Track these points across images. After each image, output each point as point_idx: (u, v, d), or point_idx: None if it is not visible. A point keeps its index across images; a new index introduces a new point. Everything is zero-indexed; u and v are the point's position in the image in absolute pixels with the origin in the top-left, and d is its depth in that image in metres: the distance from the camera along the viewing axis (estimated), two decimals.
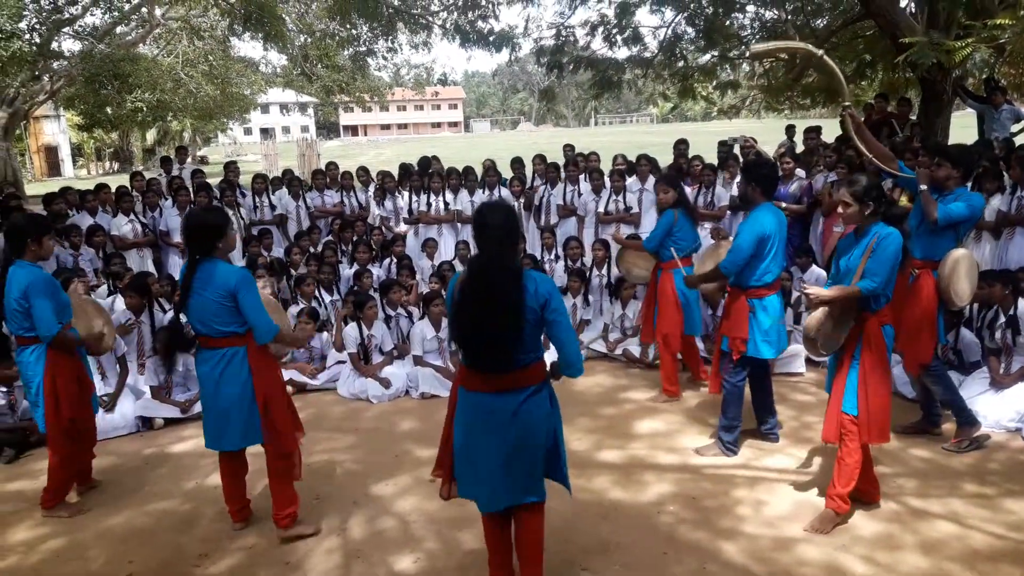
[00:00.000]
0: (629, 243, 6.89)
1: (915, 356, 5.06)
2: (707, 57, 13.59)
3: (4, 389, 5.69)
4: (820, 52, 5.13)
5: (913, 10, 10.08)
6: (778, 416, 5.33)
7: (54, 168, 41.97)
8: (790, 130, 11.18)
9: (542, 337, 3.26)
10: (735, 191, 8.59)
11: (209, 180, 10.24)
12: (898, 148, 8.02)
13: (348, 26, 17.99)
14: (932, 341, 5.03)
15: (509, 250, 3.16)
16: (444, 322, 6.86)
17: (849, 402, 4.02)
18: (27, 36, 16.72)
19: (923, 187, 4.95)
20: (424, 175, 9.71)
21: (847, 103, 5.24)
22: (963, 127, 13.59)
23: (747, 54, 6.14)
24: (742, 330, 4.85)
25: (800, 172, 8.48)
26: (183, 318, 4.08)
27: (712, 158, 9.48)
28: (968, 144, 6.23)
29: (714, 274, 5.10)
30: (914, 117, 10.64)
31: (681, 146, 9.60)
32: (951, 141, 9.78)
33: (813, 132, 9.75)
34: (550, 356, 3.34)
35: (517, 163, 10.17)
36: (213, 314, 3.90)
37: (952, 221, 4.90)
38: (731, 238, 5.98)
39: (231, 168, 10.09)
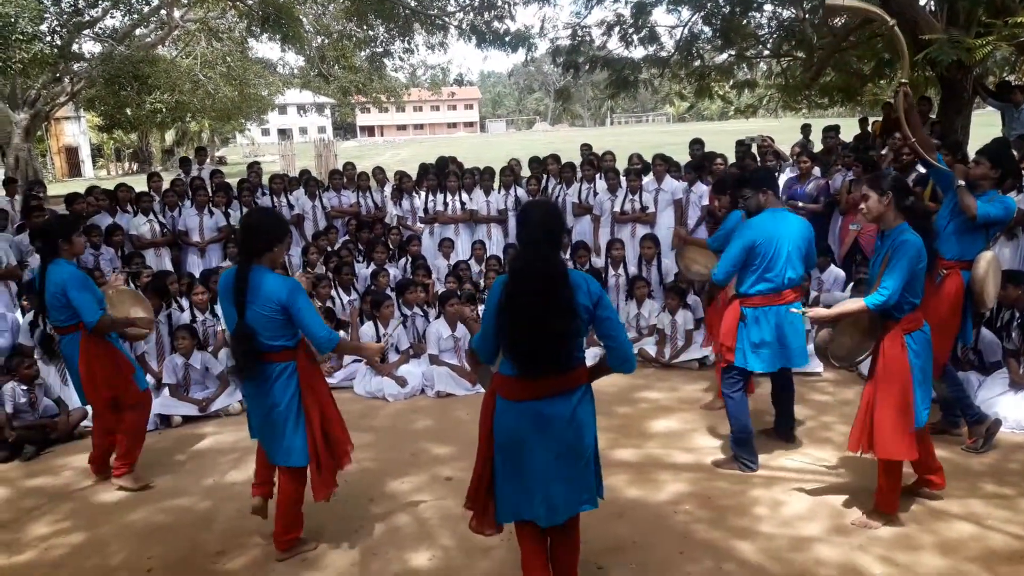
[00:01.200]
0: (693, 240, 6.74)
1: (937, 356, 4.99)
2: (724, 56, 13.52)
3: (24, 387, 5.76)
4: (892, 22, 4.97)
5: (933, 8, 9.97)
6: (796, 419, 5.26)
7: (74, 169, 42.42)
8: (806, 129, 11.10)
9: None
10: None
11: (229, 180, 10.31)
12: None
13: (365, 27, 18.05)
14: (951, 341, 4.99)
15: (555, 248, 3.09)
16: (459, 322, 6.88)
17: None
18: (48, 38, 16.91)
19: (960, 183, 4.86)
20: (441, 175, 9.74)
21: (904, 80, 5.03)
22: (983, 125, 13.45)
23: (824, 4, 6.00)
24: (729, 337, 4.72)
25: (816, 171, 8.44)
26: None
27: (730, 158, 9.45)
28: (1003, 140, 6.09)
29: (707, 280, 5.02)
30: (934, 116, 10.53)
31: (696, 146, 9.57)
32: (971, 140, 9.70)
33: (831, 131, 9.68)
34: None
35: (536, 163, 10.17)
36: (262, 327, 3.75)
37: (988, 221, 4.83)
38: None
39: (254, 169, 10.17)
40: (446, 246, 8.74)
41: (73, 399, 6.09)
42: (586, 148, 10.70)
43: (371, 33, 18.55)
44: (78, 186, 10.37)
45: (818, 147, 10.33)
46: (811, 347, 4.88)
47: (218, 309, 6.11)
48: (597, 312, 3.09)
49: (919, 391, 3.92)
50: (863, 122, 11.58)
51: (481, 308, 7.50)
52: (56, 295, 4.62)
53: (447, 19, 14.98)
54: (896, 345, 3.90)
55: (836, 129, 9.77)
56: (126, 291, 5.40)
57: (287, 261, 4.81)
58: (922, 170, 7.63)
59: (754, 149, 9.79)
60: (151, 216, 8.77)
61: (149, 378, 6.14)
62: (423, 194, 9.51)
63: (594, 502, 3.23)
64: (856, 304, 3.90)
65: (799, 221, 4.80)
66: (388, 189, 9.98)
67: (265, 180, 10.32)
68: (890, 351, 3.91)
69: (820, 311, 4.02)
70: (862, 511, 4.18)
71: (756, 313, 4.67)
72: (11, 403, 5.68)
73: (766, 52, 13.35)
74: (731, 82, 14.34)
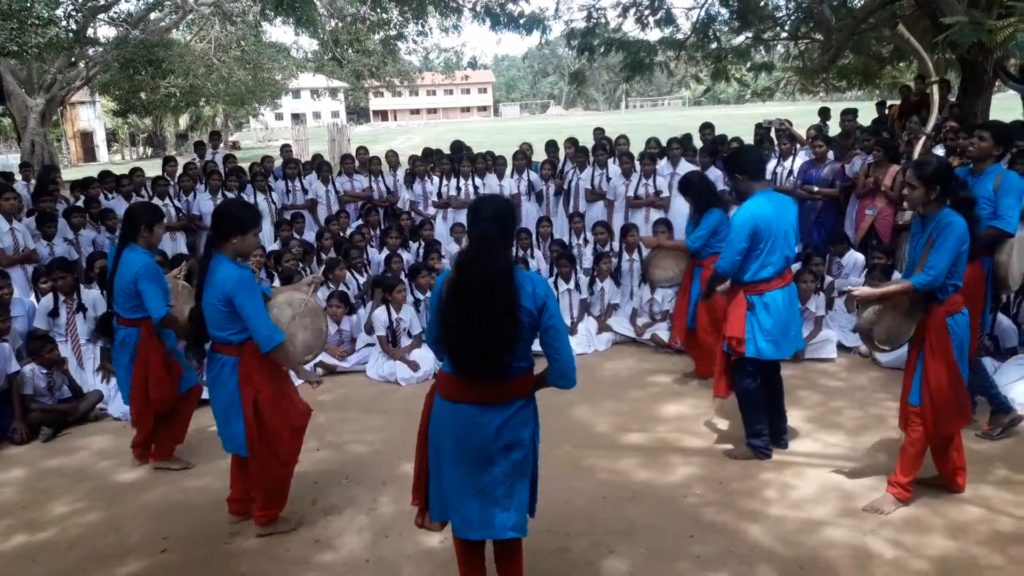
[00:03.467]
0: (667, 244, 6.54)
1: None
2: (741, 38, 13.42)
3: (45, 371, 5.83)
4: (936, 78, 5.11)
5: None
6: (789, 421, 5.07)
7: (89, 153, 42.73)
8: (824, 112, 11.00)
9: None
10: (768, 175, 8.51)
11: (242, 164, 10.36)
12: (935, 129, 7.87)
13: (379, 10, 18.04)
14: (979, 330, 4.93)
15: (502, 246, 2.90)
16: None
17: (914, 394, 4.00)
18: (63, 23, 16.93)
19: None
20: (456, 159, 9.73)
21: (935, 79, 5.03)
22: (1004, 109, 13.27)
23: (894, 30, 6.10)
24: (739, 329, 4.59)
25: (831, 155, 8.37)
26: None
27: (748, 141, 9.39)
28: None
29: (714, 278, 4.79)
30: (953, 99, 10.41)
31: (706, 130, 9.50)
32: None
33: (849, 114, 9.60)
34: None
35: (551, 147, 10.13)
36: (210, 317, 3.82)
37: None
38: None
39: (286, 149, 10.25)
40: (458, 231, 8.74)
41: (88, 383, 6.17)
42: (599, 132, 10.66)
43: (384, 16, 18.54)
44: (93, 171, 10.45)
45: (835, 131, 10.25)
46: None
47: None
48: (541, 318, 2.88)
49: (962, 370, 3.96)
50: (880, 105, 11.47)
51: None
52: (128, 283, 4.55)
53: (461, 1, 14.92)
54: (941, 325, 3.91)
55: (854, 112, 9.68)
56: (185, 287, 5.24)
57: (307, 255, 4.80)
58: (940, 154, 7.57)
59: (772, 133, 9.71)
60: (167, 200, 8.83)
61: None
62: (435, 179, 9.51)
63: (521, 530, 3.00)
64: (903, 284, 3.90)
65: (787, 200, 4.76)
66: (401, 174, 9.99)
67: (279, 163, 10.36)
68: (935, 332, 3.92)
69: (867, 290, 4.00)
70: (872, 495, 4.19)
71: (764, 299, 4.57)
72: (30, 386, 5.75)
73: (783, 34, 13.24)
74: (748, 65, 14.24)
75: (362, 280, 7.72)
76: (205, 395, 6.15)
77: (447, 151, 10.97)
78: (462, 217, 9.14)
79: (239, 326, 3.76)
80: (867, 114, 11.25)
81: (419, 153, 10.75)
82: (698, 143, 9.85)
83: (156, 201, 8.78)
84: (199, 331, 3.88)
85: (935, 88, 5.45)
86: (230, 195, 9.02)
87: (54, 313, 6.32)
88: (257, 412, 3.86)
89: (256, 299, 3.72)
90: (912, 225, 4.11)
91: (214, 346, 3.90)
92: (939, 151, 7.64)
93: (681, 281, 6.29)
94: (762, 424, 4.73)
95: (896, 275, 7.01)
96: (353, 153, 10.39)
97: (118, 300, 4.68)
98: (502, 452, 2.92)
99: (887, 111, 11.11)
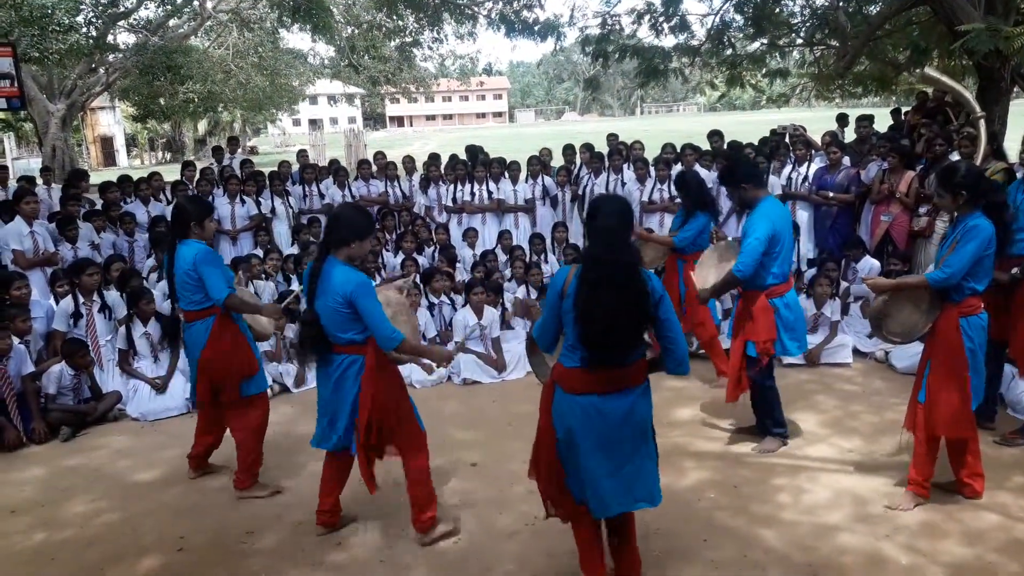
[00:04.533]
0: (651, 238, 6.76)
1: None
2: (756, 45, 13.37)
3: (72, 373, 5.91)
4: (981, 114, 5.16)
5: None
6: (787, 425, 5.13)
7: (109, 158, 43.16)
8: (842, 119, 10.96)
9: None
10: (783, 180, 8.50)
11: (260, 169, 10.44)
12: (946, 134, 7.85)
13: (394, 17, 18.14)
14: None
15: (627, 243, 3.16)
16: (486, 310, 6.93)
17: (922, 392, 4.06)
18: (84, 30, 17.19)
19: None
20: (473, 164, 9.78)
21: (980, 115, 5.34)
22: (1022, 115, 13.19)
23: (923, 71, 6.19)
24: (770, 332, 4.69)
25: (846, 161, 8.35)
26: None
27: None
28: None
29: (730, 282, 4.80)
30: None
31: (714, 138, 9.51)
32: (1009, 129, 9.52)
33: (865, 120, 9.56)
34: None
35: (569, 151, 10.15)
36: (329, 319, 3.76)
37: None
38: (729, 238, 5.92)
39: (302, 154, 10.35)
40: (471, 236, 8.78)
41: (107, 384, 6.24)
42: (613, 138, 10.66)
43: (400, 23, 18.64)
44: (113, 175, 10.57)
45: (850, 136, 10.21)
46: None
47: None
48: (657, 312, 3.11)
49: (972, 375, 3.97)
50: (896, 112, 11.41)
51: (508, 297, 7.55)
52: (188, 272, 4.36)
53: (476, 8, 14.99)
54: (951, 327, 3.94)
55: (870, 119, 9.65)
56: (243, 291, 5.19)
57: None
58: (954, 159, 7.54)
59: (787, 139, 9.69)
60: None
61: (159, 373, 6.28)
62: (450, 183, 9.56)
63: (652, 500, 3.24)
64: (916, 278, 3.97)
65: (784, 205, 4.96)
66: (416, 178, 10.04)
67: (295, 169, 10.44)
68: (945, 332, 3.96)
69: (880, 280, 4.06)
70: (887, 501, 4.18)
71: (785, 300, 4.73)
72: (55, 385, 5.84)
73: (799, 40, 13.18)
74: (763, 71, 14.18)
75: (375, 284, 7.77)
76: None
77: (462, 156, 11.02)
78: (476, 222, 9.19)
79: (361, 326, 3.75)
80: (883, 120, 11.20)
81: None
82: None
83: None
84: (317, 333, 3.79)
85: (981, 124, 5.49)
86: (248, 200, 9.10)
87: (76, 315, 6.38)
88: (378, 408, 3.83)
89: (376, 301, 3.73)
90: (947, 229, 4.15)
91: (335, 348, 3.81)
92: (955, 158, 7.60)
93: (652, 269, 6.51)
94: (781, 414, 4.96)
95: None
96: (370, 158, 10.46)
97: (183, 296, 4.46)
98: (630, 435, 3.15)
99: (903, 117, 11.06)
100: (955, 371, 3.95)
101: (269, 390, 5.30)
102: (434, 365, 6.67)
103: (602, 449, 3.11)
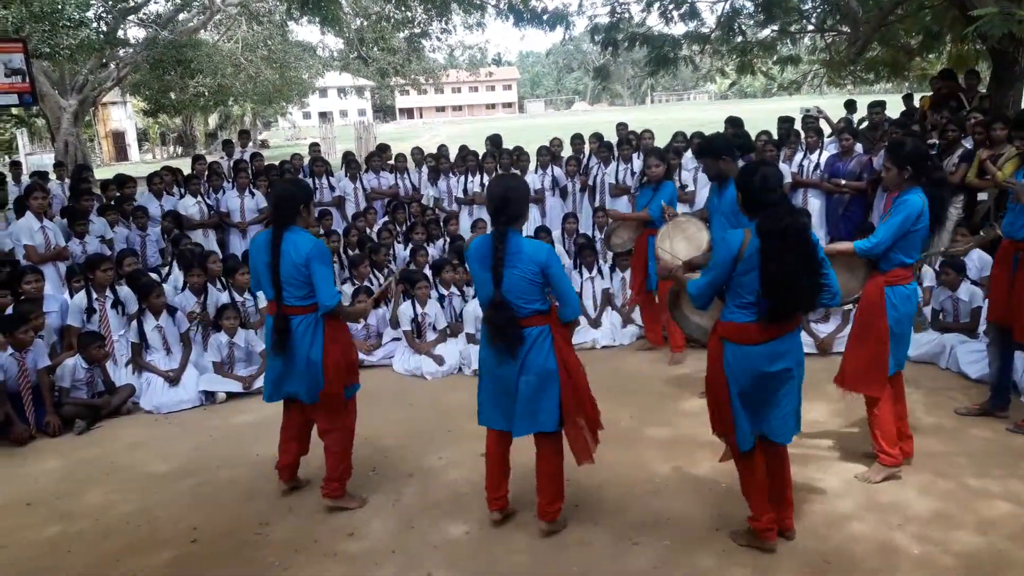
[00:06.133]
0: (626, 216, 7.10)
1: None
2: (766, 32, 13.29)
3: (87, 366, 5.96)
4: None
5: None
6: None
7: (121, 153, 43.39)
8: (850, 105, 10.87)
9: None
10: (795, 167, 8.45)
11: (272, 162, 10.49)
12: (963, 122, 7.78)
13: (403, 8, 18.11)
14: None
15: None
16: None
17: None
18: (94, 25, 17.24)
19: (1013, 181, 4.81)
20: (496, 153, 9.78)
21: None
22: None
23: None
24: None
25: (858, 148, 8.29)
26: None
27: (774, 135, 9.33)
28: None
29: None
30: (983, 90, 10.24)
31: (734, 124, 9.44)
32: None
33: (877, 107, 9.49)
34: None
35: (578, 140, 10.13)
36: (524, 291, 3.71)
37: None
38: (681, 214, 5.96)
39: (314, 148, 10.44)
40: (480, 227, 8.77)
41: (120, 377, 6.29)
42: (622, 127, 10.62)
43: (409, 14, 18.61)
44: (124, 170, 10.64)
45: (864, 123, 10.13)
46: None
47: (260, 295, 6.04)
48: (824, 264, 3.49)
49: (892, 341, 4.15)
50: (907, 98, 11.31)
51: None
52: (299, 266, 4.00)
53: None
54: (875, 292, 4.15)
55: (882, 105, 9.57)
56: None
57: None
58: (968, 146, 7.48)
59: (797, 124, 9.61)
60: (199, 198, 8.96)
61: (172, 366, 6.34)
62: (460, 175, 9.55)
63: (797, 429, 3.69)
64: (846, 245, 4.20)
65: None
66: (425, 170, 10.04)
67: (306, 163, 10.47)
68: (867, 296, 4.20)
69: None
70: (896, 488, 4.17)
71: None
72: (69, 379, 5.89)
73: (810, 27, 13.08)
74: (774, 58, 14.10)
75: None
76: (234, 388, 6.30)
77: (471, 148, 11.01)
78: (484, 214, 9.18)
79: (545, 295, 3.76)
80: (895, 106, 11.10)
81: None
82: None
83: (188, 199, 8.91)
84: (508, 314, 3.68)
85: None
86: (258, 193, 9.13)
87: (91, 310, 6.43)
88: (571, 376, 3.79)
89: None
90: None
91: (520, 322, 3.72)
92: (967, 144, 7.54)
93: (632, 247, 6.86)
94: None
95: (924, 268, 6.94)
96: (376, 150, 10.48)
97: (288, 290, 4.07)
98: (789, 372, 3.52)
99: (916, 103, 10.95)
100: (870, 332, 4.16)
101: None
102: (444, 357, 6.70)
103: (782, 384, 3.52)
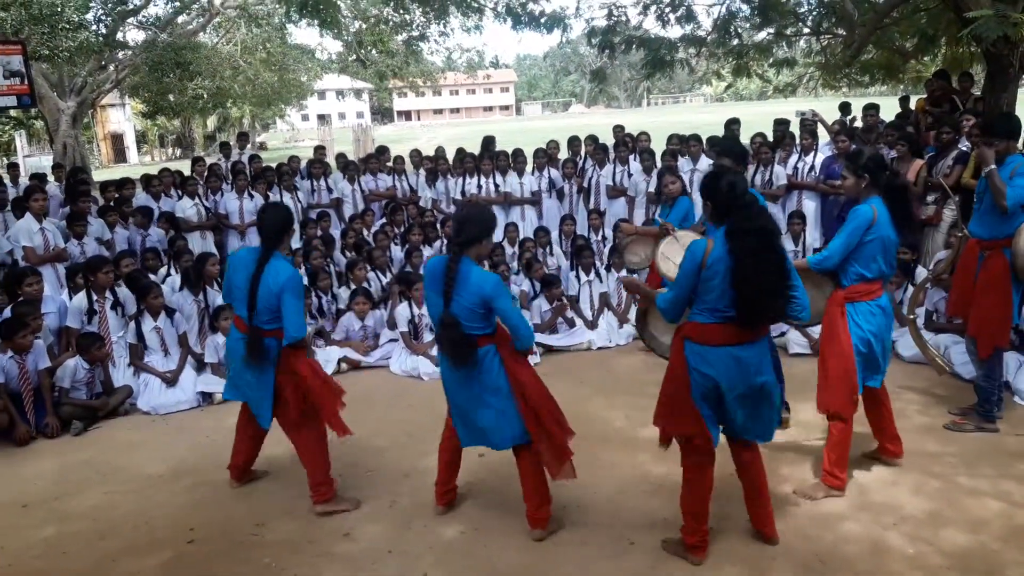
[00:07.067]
0: (639, 230, 6.72)
1: (991, 339, 4.86)
2: (762, 34, 13.31)
3: (87, 367, 5.98)
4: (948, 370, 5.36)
5: None
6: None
7: (120, 155, 43.35)
8: (845, 107, 10.92)
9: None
10: (789, 170, 8.48)
11: (271, 164, 10.50)
12: (957, 124, 7.80)
13: (401, 11, 18.11)
14: (1008, 323, 4.89)
15: (767, 212, 3.47)
16: None
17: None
18: (93, 27, 17.27)
19: (992, 167, 4.76)
20: (490, 155, 9.79)
21: None
22: None
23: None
24: None
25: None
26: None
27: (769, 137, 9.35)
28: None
29: None
30: (977, 92, 10.28)
31: (733, 126, 9.48)
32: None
33: (872, 109, 9.52)
34: None
35: (574, 143, 10.15)
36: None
37: (1021, 201, 4.69)
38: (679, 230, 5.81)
39: (319, 152, 10.55)
40: None
41: (118, 379, 6.30)
42: (619, 129, 10.64)
43: (407, 17, 18.62)
44: (123, 172, 10.66)
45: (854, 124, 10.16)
46: None
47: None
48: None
49: (859, 359, 4.04)
50: (904, 100, 11.35)
51: (514, 289, 7.57)
52: (274, 295, 4.07)
53: (482, 1, 14.96)
54: (836, 309, 4.06)
55: (876, 108, 9.61)
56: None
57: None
58: (964, 148, 7.51)
59: (793, 127, 9.65)
60: (196, 200, 8.97)
61: (170, 367, 6.35)
62: (458, 177, 9.58)
63: (768, 435, 3.68)
64: (800, 262, 4.14)
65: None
66: (423, 172, 10.07)
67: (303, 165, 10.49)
68: (827, 313, 4.12)
69: None
70: (890, 489, 4.19)
71: None
72: (70, 379, 5.90)
73: (805, 29, 13.10)
74: (770, 61, 14.11)
75: (386, 280, 7.79)
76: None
77: (469, 150, 11.03)
78: None
79: (489, 322, 3.79)
80: (889, 109, 11.14)
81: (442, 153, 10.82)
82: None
83: (186, 200, 8.92)
84: (459, 335, 3.71)
85: None
86: (256, 195, 9.14)
87: (91, 312, 6.43)
88: (525, 392, 3.83)
89: (510, 300, 3.84)
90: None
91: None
92: (963, 146, 7.57)
93: (648, 265, 6.48)
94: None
95: (920, 270, 6.97)
96: (374, 153, 10.51)
97: (261, 312, 4.13)
98: (763, 376, 3.49)
99: (911, 105, 10.99)
100: (833, 351, 4.05)
101: None
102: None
103: (740, 388, 3.46)
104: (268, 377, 4.23)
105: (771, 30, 12.75)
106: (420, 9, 16.61)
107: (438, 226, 8.92)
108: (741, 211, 3.36)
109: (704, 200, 3.56)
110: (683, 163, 8.85)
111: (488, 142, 10.67)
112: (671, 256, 5.20)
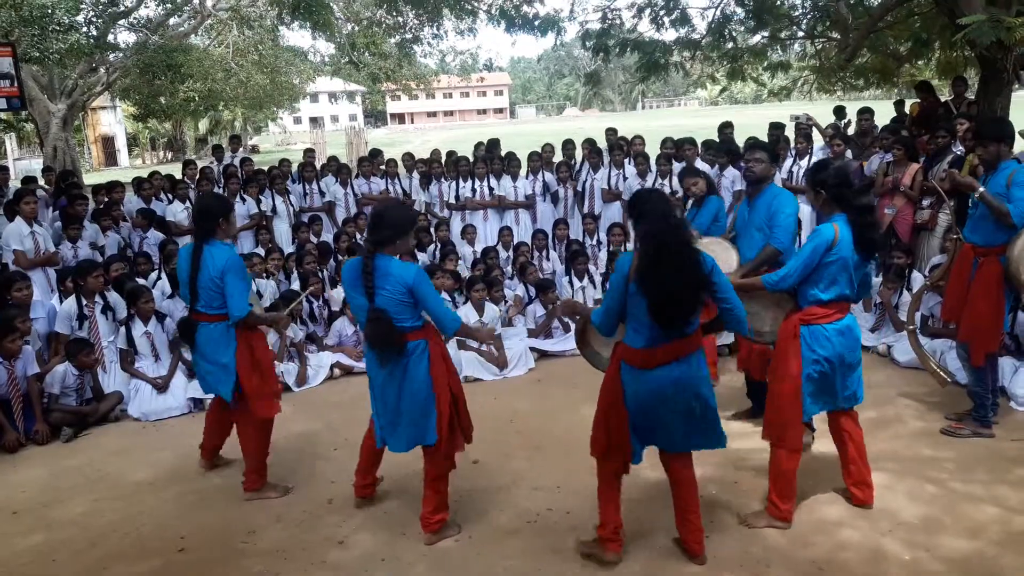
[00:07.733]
0: None
1: (982, 345, 4.83)
2: (757, 38, 13.33)
3: (76, 373, 5.92)
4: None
5: None
6: None
7: (111, 158, 43.21)
8: (839, 111, 10.93)
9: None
10: (784, 173, 8.47)
11: (262, 167, 10.45)
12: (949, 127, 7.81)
13: (394, 13, 18.09)
14: (998, 329, 4.87)
15: (679, 222, 3.48)
16: (486, 307, 6.93)
17: None
18: (84, 29, 17.16)
19: (980, 189, 4.74)
20: (491, 158, 9.76)
21: None
22: None
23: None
24: None
25: (848, 154, 8.33)
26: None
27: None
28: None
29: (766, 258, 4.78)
30: (971, 97, 10.30)
31: (727, 129, 9.48)
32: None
33: (866, 113, 9.54)
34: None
35: (569, 146, 10.13)
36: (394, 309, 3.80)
37: None
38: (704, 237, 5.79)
39: (309, 155, 10.52)
40: (469, 233, 8.78)
41: (110, 386, 6.23)
42: (611, 132, 10.61)
43: (400, 20, 18.61)
44: (114, 175, 10.58)
45: (848, 129, 10.17)
46: None
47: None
48: (711, 278, 3.39)
49: (810, 385, 3.84)
50: (899, 104, 11.38)
51: (509, 294, 7.54)
52: (214, 279, 4.26)
53: (476, 3, 14.94)
54: (789, 331, 3.87)
55: (871, 112, 9.62)
56: (256, 302, 5.07)
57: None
58: (958, 152, 7.51)
59: (788, 131, 9.66)
60: (187, 204, 8.91)
61: (160, 373, 6.30)
62: (452, 180, 9.55)
63: (720, 442, 3.67)
64: (753, 280, 4.05)
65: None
66: (416, 176, 10.03)
67: (295, 168, 10.44)
68: (780, 336, 3.94)
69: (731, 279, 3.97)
70: (886, 494, 4.15)
71: None
72: (59, 385, 5.84)
73: (800, 33, 13.13)
74: (764, 64, 14.14)
75: None
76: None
77: (462, 154, 11.00)
78: (475, 219, 9.18)
79: (418, 313, 3.87)
80: (884, 113, 11.15)
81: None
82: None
83: (176, 204, 8.86)
84: (388, 328, 3.78)
85: None
86: (248, 199, 9.09)
87: (81, 317, 6.36)
88: (452, 393, 3.94)
89: (433, 288, 3.91)
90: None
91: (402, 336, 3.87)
92: (957, 150, 7.58)
93: None
94: None
95: (915, 275, 6.96)
96: (367, 156, 10.46)
97: (203, 298, 4.36)
98: (700, 392, 3.51)
99: (906, 109, 11.01)
100: (779, 374, 3.89)
101: None
102: None
103: (677, 408, 3.48)
104: (222, 358, 4.41)
105: (765, 33, 12.78)
106: (413, 11, 16.58)
107: (432, 230, 8.88)
108: (648, 218, 3.41)
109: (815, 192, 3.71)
110: (677, 167, 8.82)
111: (492, 144, 10.64)
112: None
